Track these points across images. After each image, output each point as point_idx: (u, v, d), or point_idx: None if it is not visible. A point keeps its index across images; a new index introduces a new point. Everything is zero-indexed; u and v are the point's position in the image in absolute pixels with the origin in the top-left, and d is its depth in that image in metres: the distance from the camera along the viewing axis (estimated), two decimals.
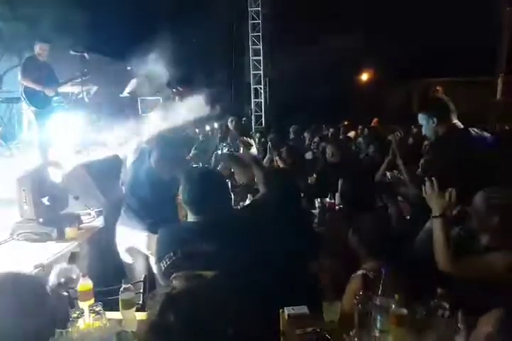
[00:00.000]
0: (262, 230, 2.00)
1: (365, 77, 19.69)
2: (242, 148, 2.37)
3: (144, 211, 2.48)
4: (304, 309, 1.79)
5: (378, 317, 1.58)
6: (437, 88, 20.48)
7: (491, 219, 1.73)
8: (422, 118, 2.81)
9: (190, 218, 1.91)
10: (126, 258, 2.54)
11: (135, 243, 2.49)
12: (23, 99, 4.66)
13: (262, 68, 11.28)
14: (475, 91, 16.22)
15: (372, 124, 10.08)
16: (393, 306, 1.52)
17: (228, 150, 2.66)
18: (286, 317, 1.78)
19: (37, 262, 2.15)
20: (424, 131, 2.86)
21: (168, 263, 1.83)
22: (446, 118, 2.66)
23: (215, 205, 1.88)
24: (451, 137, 2.65)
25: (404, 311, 1.50)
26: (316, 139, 7.30)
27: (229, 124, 5.77)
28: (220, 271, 1.73)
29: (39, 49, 4.72)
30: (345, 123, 9.06)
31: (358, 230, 1.92)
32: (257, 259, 1.93)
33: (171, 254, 1.82)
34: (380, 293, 1.58)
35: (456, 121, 2.75)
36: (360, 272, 1.84)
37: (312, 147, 6.78)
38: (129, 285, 1.73)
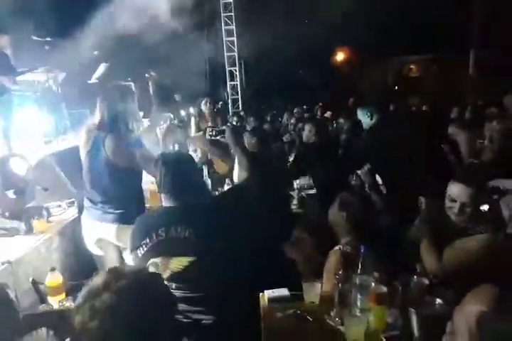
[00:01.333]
0: (242, 215, 1.97)
1: (340, 56, 19.61)
2: (227, 133, 2.29)
3: (109, 203, 2.33)
4: (284, 291, 1.76)
5: (358, 296, 1.56)
6: (411, 66, 20.72)
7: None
8: (359, 114, 3.42)
9: (167, 204, 1.86)
10: (95, 250, 2.44)
11: (104, 235, 2.37)
12: None
13: (236, 50, 10.99)
14: (449, 68, 16.44)
15: (349, 104, 10.06)
16: (373, 284, 1.51)
17: (209, 135, 2.54)
18: (267, 300, 1.75)
19: (3, 259, 2.04)
20: (364, 125, 3.42)
21: (145, 249, 1.79)
22: (378, 112, 3.29)
23: (193, 190, 1.85)
24: (377, 127, 3.26)
25: (384, 289, 1.49)
26: (292, 120, 7.24)
27: (202, 107, 5.52)
28: (196, 256, 1.70)
29: None
30: (320, 104, 9.00)
31: (346, 206, 1.89)
32: (234, 243, 1.90)
33: (147, 240, 1.78)
34: (359, 271, 1.57)
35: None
36: (337, 247, 1.83)
37: (289, 129, 6.73)
38: None
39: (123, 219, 2.28)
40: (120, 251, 2.35)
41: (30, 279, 1.89)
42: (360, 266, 1.56)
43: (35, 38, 5.89)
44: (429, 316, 1.38)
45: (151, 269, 1.75)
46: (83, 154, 2.40)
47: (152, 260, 1.77)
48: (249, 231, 2.06)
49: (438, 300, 1.47)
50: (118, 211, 2.32)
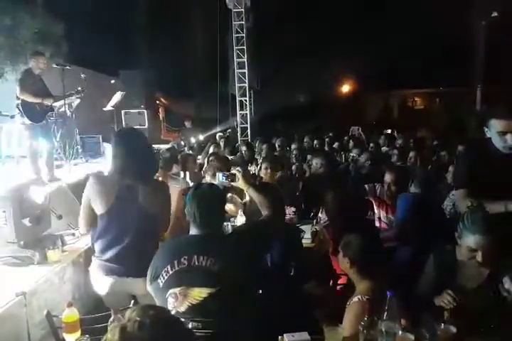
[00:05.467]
0: (262, 249, 1.96)
1: (346, 88, 20.02)
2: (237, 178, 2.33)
3: (124, 260, 2.13)
4: (305, 335, 1.70)
5: None
6: (415, 99, 21.14)
7: None
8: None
9: (193, 232, 1.88)
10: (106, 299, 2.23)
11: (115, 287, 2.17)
12: (19, 113, 4.52)
13: (246, 81, 11.32)
14: (452, 101, 16.73)
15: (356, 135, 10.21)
16: (400, 332, 1.46)
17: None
18: None
19: (18, 289, 2.01)
20: None
21: (166, 278, 1.76)
22: None
23: (219, 219, 1.91)
24: None
25: (411, 337, 1.44)
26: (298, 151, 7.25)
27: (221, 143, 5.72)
28: (216, 288, 1.68)
29: (41, 61, 4.60)
30: (331, 134, 9.09)
31: (347, 251, 1.83)
32: (255, 278, 1.88)
33: (169, 268, 1.76)
34: (384, 317, 1.52)
35: None
36: (355, 299, 1.74)
37: (295, 158, 6.72)
38: (119, 315, 1.61)
39: (136, 273, 2.11)
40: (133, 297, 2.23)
41: (45, 312, 1.84)
42: (385, 312, 1.52)
43: (54, 65, 6.06)
44: None
45: (170, 300, 1.71)
46: (102, 208, 2.13)
47: (172, 290, 1.72)
48: (267, 266, 2.04)
49: None
50: (133, 266, 2.13)
